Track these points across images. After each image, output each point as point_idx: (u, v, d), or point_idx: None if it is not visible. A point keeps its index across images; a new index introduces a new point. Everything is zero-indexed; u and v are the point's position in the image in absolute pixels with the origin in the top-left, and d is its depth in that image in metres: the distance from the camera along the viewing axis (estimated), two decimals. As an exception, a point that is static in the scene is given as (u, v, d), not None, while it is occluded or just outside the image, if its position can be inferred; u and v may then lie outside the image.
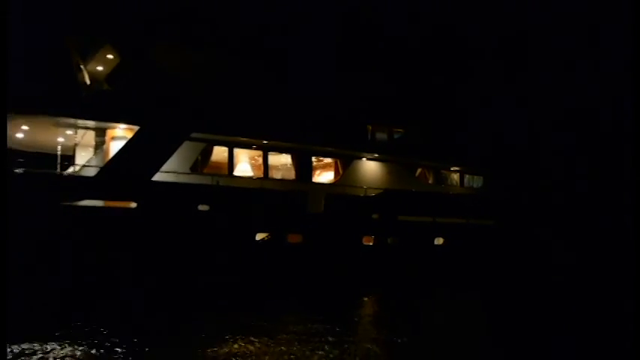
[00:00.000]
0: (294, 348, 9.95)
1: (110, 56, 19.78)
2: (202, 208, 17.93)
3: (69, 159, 21.72)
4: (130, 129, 18.03)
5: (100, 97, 18.20)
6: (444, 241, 23.30)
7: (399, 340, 11.12)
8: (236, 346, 9.96)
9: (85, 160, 19.40)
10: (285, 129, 20.56)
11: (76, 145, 18.60)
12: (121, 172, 17.03)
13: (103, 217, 16.48)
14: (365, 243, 21.23)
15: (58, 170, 20.16)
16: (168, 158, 17.94)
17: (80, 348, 9.49)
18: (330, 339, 10.73)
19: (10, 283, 13.35)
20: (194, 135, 18.79)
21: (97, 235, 15.97)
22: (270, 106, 20.63)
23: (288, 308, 14.89)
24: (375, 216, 21.49)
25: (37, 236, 15.00)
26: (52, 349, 9.34)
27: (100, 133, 18.93)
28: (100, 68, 20.60)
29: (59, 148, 21.01)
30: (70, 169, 18.97)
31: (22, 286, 13.62)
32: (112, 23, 19.25)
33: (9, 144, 20.86)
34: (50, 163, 21.38)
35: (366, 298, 17.74)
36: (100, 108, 17.58)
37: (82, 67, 20.72)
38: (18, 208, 14.72)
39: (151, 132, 17.69)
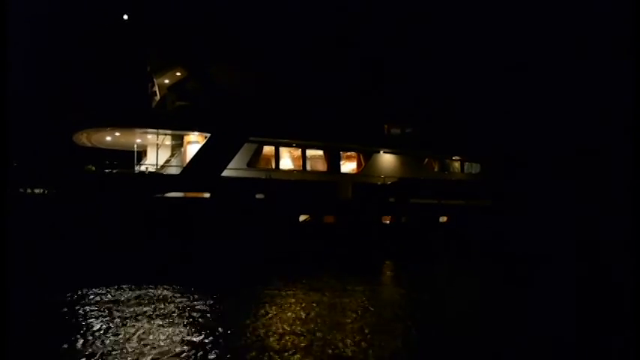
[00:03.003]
0: (334, 293, 14.50)
1: (178, 73, 24.43)
2: (259, 196, 22.85)
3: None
4: (203, 135, 22.82)
5: (178, 111, 22.89)
6: (447, 219, 28.36)
7: (411, 287, 16.19)
8: (295, 291, 14.68)
9: (163, 157, 24.22)
10: (320, 130, 25.35)
11: (158, 145, 23.35)
12: (198, 170, 21.91)
13: (187, 205, 21.40)
14: (384, 222, 26.31)
15: (137, 167, 25.05)
16: (232, 158, 22.73)
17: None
18: (358, 288, 15.25)
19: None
20: (251, 138, 23.58)
21: (183, 218, 20.86)
22: (307, 110, 25.32)
23: (326, 270, 19.68)
24: (391, 200, 26.47)
25: (135, 222, 19.49)
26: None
27: (177, 137, 23.75)
28: (166, 81, 25.30)
29: (135, 147, 25.90)
30: (151, 167, 23.58)
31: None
32: (184, 47, 23.68)
33: (96, 144, 25.80)
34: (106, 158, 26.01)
35: (386, 264, 22.73)
36: (179, 120, 22.40)
37: (154, 80, 25.44)
38: (118, 201, 19.67)
39: (220, 138, 22.48)
